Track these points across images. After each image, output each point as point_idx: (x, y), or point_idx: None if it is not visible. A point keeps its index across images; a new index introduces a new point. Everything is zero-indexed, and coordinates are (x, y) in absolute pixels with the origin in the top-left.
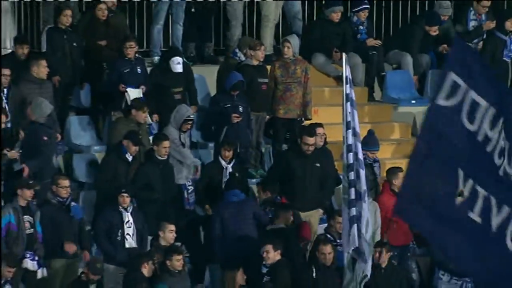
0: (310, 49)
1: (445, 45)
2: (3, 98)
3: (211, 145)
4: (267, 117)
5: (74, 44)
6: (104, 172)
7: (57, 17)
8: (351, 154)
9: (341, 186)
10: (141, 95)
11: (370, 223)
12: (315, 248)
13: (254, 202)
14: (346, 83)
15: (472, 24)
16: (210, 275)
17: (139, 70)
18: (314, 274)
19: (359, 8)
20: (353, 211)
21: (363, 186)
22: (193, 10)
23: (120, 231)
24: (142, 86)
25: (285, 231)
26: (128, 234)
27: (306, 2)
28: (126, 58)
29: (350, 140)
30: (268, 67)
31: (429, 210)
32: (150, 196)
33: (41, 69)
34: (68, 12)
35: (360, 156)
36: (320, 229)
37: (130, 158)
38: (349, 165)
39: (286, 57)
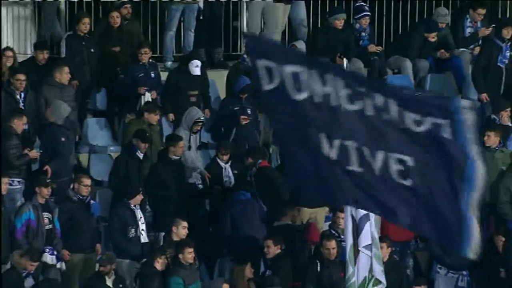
0: (314, 55)
1: (443, 51)
2: (20, 101)
3: None
4: None
5: (92, 50)
6: (117, 170)
7: (75, 25)
8: None
9: None
10: (150, 99)
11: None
12: (320, 243)
13: (260, 203)
14: None
15: (468, 30)
16: (219, 268)
17: (152, 74)
18: (318, 268)
19: (360, 15)
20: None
21: None
22: (201, 18)
23: (135, 227)
24: (153, 92)
25: (291, 227)
26: (143, 230)
27: (311, 9)
28: (141, 63)
29: None
30: None
31: (316, 173)
32: (163, 194)
33: (63, 75)
34: (86, 20)
35: None
36: (326, 226)
37: (141, 156)
38: None
39: None
